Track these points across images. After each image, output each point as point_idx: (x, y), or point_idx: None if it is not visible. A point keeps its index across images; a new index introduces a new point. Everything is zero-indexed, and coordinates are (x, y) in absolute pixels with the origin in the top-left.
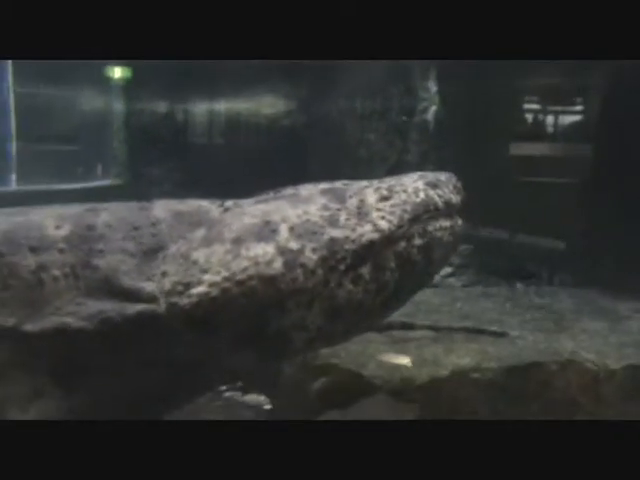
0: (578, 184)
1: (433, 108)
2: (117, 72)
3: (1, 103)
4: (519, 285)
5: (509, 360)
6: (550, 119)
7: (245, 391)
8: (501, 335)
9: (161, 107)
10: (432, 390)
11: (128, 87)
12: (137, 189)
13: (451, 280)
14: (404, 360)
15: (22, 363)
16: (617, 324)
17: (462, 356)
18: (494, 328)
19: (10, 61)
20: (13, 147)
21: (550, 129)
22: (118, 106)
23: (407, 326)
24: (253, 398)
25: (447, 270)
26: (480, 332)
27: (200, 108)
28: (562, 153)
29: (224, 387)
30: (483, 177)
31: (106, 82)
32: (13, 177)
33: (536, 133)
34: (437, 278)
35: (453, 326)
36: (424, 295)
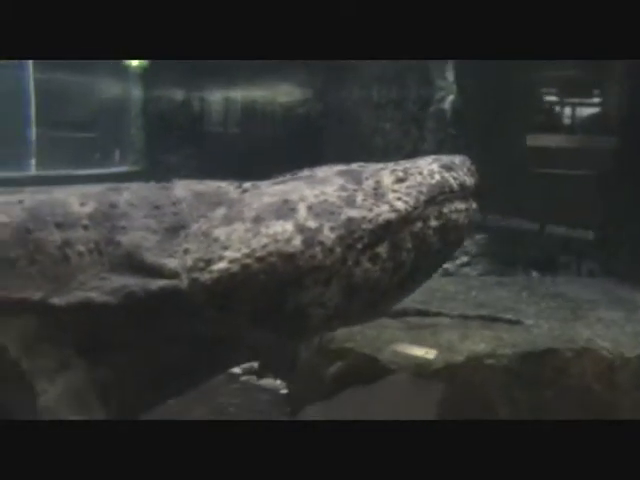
0: (595, 176)
1: (450, 97)
2: (134, 60)
3: (21, 90)
4: (535, 274)
5: (524, 347)
6: (568, 111)
7: (260, 375)
8: (516, 323)
9: (178, 94)
10: (447, 375)
11: (145, 74)
12: (154, 176)
13: (466, 269)
14: (423, 351)
15: (49, 336)
16: (633, 314)
17: (477, 342)
18: (509, 316)
19: None
20: (32, 133)
21: (568, 121)
22: (136, 93)
23: (422, 313)
24: (269, 382)
25: (462, 259)
26: (495, 320)
27: (217, 96)
28: (579, 145)
29: (240, 371)
30: (500, 167)
31: (124, 69)
32: (32, 162)
33: (553, 124)
34: (452, 267)
35: (468, 314)
36: (439, 283)
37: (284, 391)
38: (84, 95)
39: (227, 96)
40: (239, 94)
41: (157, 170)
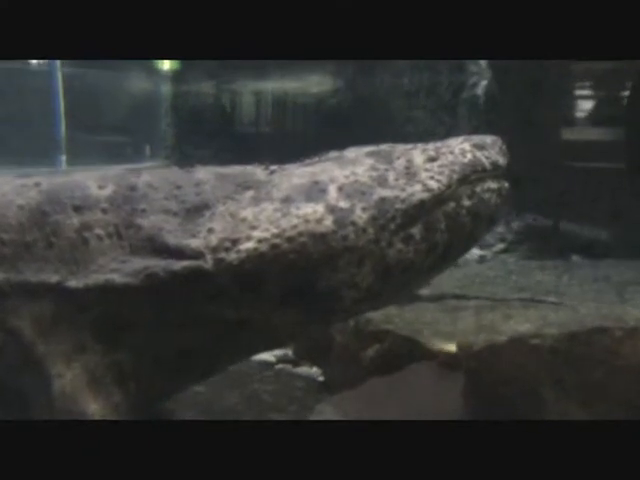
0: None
1: (483, 83)
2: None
3: (51, 87)
4: (575, 257)
5: (571, 326)
6: (602, 103)
7: (296, 363)
8: (559, 305)
9: (209, 89)
10: (489, 356)
11: (175, 69)
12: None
13: (504, 256)
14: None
15: (65, 319)
16: None
17: (521, 322)
18: (552, 299)
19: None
20: (63, 129)
21: (602, 112)
22: (166, 89)
23: (461, 297)
24: (304, 370)
25: (499, 246)
26: (538, 302)
27: (247, 89)
28: (614, 137)
29: (274, 359)
30: (535, 154)
31: (155, 69)
32: (63, 158)
33: (588, 115)
34: (489, 254)
35: (509, 298)
36: (478, 268)
37: (320, 378)
38: (116, 93)
39: (258, 89)
40: (270, 86)
41: (188, 164)
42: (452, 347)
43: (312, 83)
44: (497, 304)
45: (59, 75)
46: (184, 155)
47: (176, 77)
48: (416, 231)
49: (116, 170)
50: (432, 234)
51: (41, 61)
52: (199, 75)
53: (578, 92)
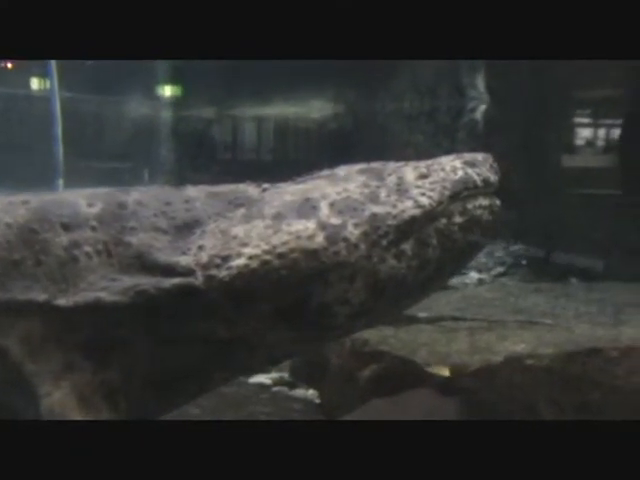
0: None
1: (482, 107)
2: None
3: (49, 111)
4: (573, 280)
5: (566, 346)
6: (602, 129)
7: (292, 386)
8: (555, 327)
9: (209, 114)
10: (485, 377)
11: (176, 95)
12: None
13: (503, 280)
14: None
15: (54, 338)
16: None
17: (516, 342)
18: (548, 321)
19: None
20: (60, 153)
21: (602, 139)
22: (166, 114)
23: (458, 319)
24: (301, 392)
25: (499, 269)
26: (533, 324)
27: (249, 114)
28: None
29: (270, 382)
30: (535, 176)
31: (157, 96)
32: (60, 182)
33: (588, 143)
34: (488, 277)
35: (506, 319)
36: (476, 291)
37: (317, 401)
38: (116, 118)
39: (259, 114)
40: (271, 111)
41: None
42: (446, 371)
43: (313, 108)
44: (493, 325)
45: (57, 100)
46: (184, 180)
47: (177, 103)
48: (408, 247)
49: (105, 188)
50: (424, 250)
51: (41, 86)
52: (200, 101)
53: (577, 119)
